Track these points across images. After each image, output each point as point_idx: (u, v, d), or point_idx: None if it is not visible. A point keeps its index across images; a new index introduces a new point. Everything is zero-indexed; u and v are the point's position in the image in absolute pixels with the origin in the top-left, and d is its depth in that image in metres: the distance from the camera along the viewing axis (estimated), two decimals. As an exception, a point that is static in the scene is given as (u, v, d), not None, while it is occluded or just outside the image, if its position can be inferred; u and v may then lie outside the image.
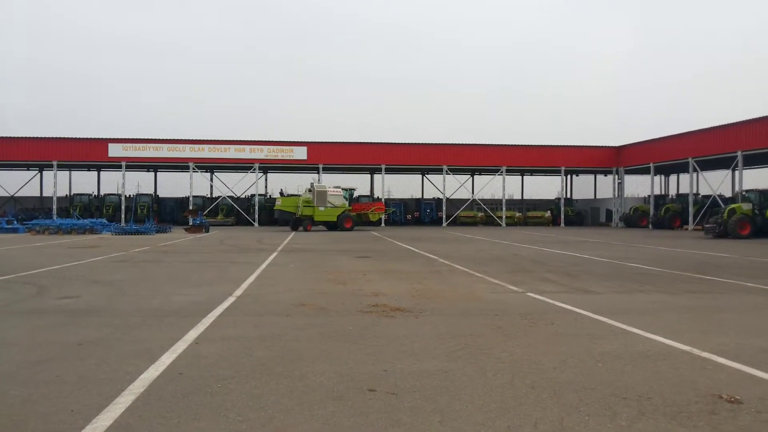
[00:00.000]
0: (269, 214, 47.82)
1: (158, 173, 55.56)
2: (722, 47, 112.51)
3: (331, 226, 36.92)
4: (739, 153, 36.15)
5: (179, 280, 11.67)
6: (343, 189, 38.52)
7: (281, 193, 50.15)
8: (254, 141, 47.38)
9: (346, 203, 37.75)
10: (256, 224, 45.96)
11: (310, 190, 37.14)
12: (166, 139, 46.86)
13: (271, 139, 47.57)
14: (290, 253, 18.65)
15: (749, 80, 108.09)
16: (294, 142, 47.62)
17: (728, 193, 41.78)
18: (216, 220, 45.24)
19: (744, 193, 34.29)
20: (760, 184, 41.26)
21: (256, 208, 46.99)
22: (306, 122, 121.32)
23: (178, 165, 48.46)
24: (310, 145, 47.44)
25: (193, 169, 46.88)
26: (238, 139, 47.48)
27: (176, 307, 8.27)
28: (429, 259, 16.43)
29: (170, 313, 7.85)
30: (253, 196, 48.88)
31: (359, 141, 49.02)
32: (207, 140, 47.09)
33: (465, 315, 7.81)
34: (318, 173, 47.93)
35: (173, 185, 54.09)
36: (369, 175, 55.30)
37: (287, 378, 4.81)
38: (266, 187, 54.61)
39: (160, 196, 54.16)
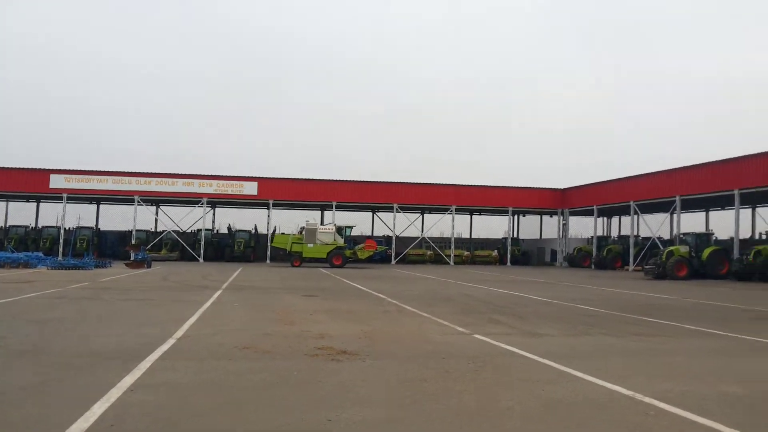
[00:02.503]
0: (215, 249, 46.90)
1: (101, 206, 53.83)
2: (666, 98, 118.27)
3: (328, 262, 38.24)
4: (677, 197, 37.70)
5: (117, 319, 11.17)
6: (339, 226, 39.89)
7: (229, 229, 49.47)
8: (203, 175, 46.67)
9: (340, 240, 38.39)
10: (201, 260, 44.91)
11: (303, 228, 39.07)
12: (112, 171, 45.65)
13: (220, 174, 46.96)
14: (236, 291, 18.20)
15: (691, 130, 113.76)
16: (244, 177, 47.11)
17: (667, 236, 43.35)
18: (159, 255, 43.97)
19: (681, 236, 35.68)
20: (696, 227, 43.12)
21: (202, 243, 45.96)
22: (256, 158, 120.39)
23: (123, 198, 47.12)
24: (261, 181, 47.02)
25: (138, 202, 45.68)
26: (187, 172, 46.69)
27: (113, 350, 7.86)
28: (378, 299, 16.29)
29: (106, 356, 7.45)
30: (199, 230, 47.81)
31: (311, 177, 48.94)
32: (154, 173, 46.10)
33: (413, 359, 7.69)
34: (268, 209, 47.45)
35: (116, 218, 52.46)
36: (319, 212, 55.09)
37: (225, 431, 4.58)
38: (213, 222, 53.59)
39: (101, 229, 52.36)
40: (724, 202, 40.71)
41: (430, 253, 51.20)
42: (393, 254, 49.17)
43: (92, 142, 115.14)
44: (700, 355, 8.47)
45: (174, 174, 46.25)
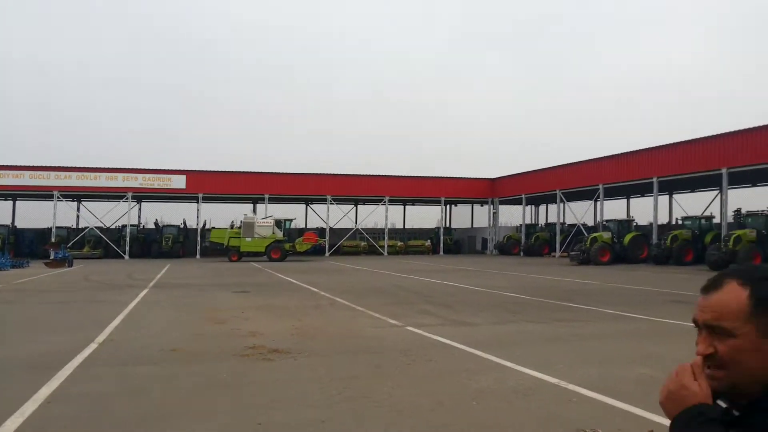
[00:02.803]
0: (142, 245, 45.30)
1: (18, 202, 50.93)
2: (593, 90, 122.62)
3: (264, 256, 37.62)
4: (600, 186, 39.27)
5: (34, 323, 10.63)
6: (278, 219, 39.30)
7: (156, 224, 47.89)
8: (128, 169, 44.91)
9: (279, 233, 37.84)
10: (126, 257, 43.31)
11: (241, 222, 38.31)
12: (28, 166, 43.25)
13: (146, 167, 45.33)
14: (163, 289, 17.67)
15: (615, 120, 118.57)
16: (172, 170, 45.67)
17: (591, 222, 45.13)
18: (82, 252, 42.08)
19: (604, 222, 37.24)
20: (618, 214, 45.10)
21: (128, 239, 44.30)
22: (187, 151, 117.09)
23: (41, 194, 44.77)
24: (190, 174, 45.70)
25: (58, 198, 43.51)
26: (110, 166, 44.79)
27: (27, 358, 7.47)
28: (311, 293, 16.21)
29: (20, 365, 7.07)
30: (124, 226, 46.00)
31: (242, 170, 47.99)
32: (74, 167, 43.91)
33: (345, 354, 7.70)
34: (198, 203, 46.22)
35: (35, 215, 49.76)
36: (251, 205, 54.15)
37: (150, 439, 4.44)
38: (140, 217, 51.70)
39: (18, 227, 49.56)
40: (643, 190, 42.74)
41: (364, 244, 51.32)
42: (327, 246, 48.99)
43: (7, 136, 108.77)
44: (618, 339, 8.87)
45: (96, 168, 44.26)
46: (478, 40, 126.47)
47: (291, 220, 42.05)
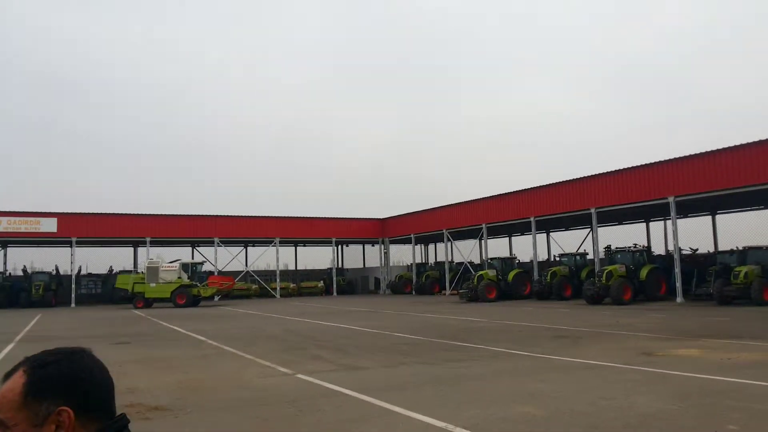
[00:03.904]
0: (8, 294, 41.43)
1: None
2: (473, 132, 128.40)
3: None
4: (483, 225, 41.00)
5: None
6: (186, 263, 37.62)
7: (24, 271, 44.15)
8: (-10, 211, 41.23)
9: (184, 278, 35.94)
10: (-9, 307, 39.42)
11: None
12: None
13: (12, 210, 41.79)
14: (32, 343, 16.17)
15: (497, 161, 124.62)
16: (41, 213, 42.35)
17: (477, 260, 46.82)
18: (-63, 304, 37.97)
19: (489, 260, 38.77)
20: (502, 251, 47.20)
21: (-8, 288, 40.43)
22: (62, 194, 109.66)
23: None
24: (62, 216, 42.59)
25: None
26: (-30, 209, 40.94)
27: None
28: (196, 341, 15.49)
29: None
30: (-12, 274, 42.07)
31: (120, 212, 45.52)
32: (-75, 209, 39.80)
33: (231, 409, 7.37)
34: (71, 246, 43.15)
35: None
36: (132, 248, 51.37)
37: None
38: (5, 263, 47.40)
39: None
40: (523, 228, 45.09)
41: (256, 287, 50.01)
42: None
43: None
44: (503, 377, 9.15)
45: (-47, 210, 40.33)
46: (355, 74, 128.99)
47: (201, 264, 40.24)
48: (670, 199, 28.22)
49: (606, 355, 10.94)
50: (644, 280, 28.89)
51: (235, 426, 6.39)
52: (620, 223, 42.57)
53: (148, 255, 44.87)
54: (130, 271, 47.97)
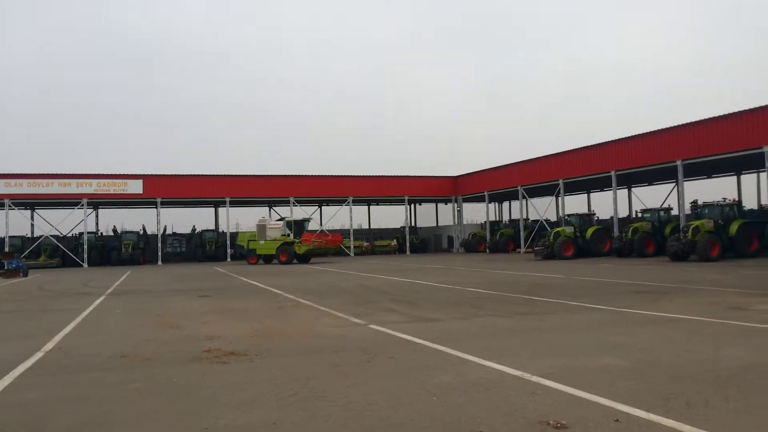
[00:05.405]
0: (100, 253, 44.04)
1: (-34, 212, 49.06)
2: (549, 86, 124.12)
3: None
4: (560, 181, 39.70)
5: (-23, 336, 10.08)
6: (290, 221, 38.60)
7: (114, 231, 46.68)
8: (81, 174, 43.44)
9: (288, 235, 37.17)
10: (85, 265, 42.08)
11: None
12: (-25, 175, 41.63)
13: (101, 173, 44.02)
14: (120, 296, 17.10)
15: (571, 115, 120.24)
16: (128, 174, 44.45)
17: (553, 218, 45.62)
18: (38, 262, 40.81)
19: (566, 217, 37.66)
20: (580, 208, 45.70)
21: (85, 247, 43.03)
22: (144, 154, 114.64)
23: (-9, 202, 43.15)
24: (147, 178, 44.56)
25: (9, 206, 41.96)
26: (63, 172, 43.36)
27: (-36, 371, 7.02)
28: (274, 295, 15.87)
29: (-45, 378, 6.63)
30: (81, 234, 44.74)
31: (201, 173, 47.07)
32: (25, 174, 42.37)
33: (304, 354, 7.44)
34: (156, 207, 45.18)
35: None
36: (213, 209, 53.25)
37: (87, 450, 4.13)
38: (97, 224, 50.29)
39: (-32, 237, 47.74)
40: (603, 184, 43.39)
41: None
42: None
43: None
44: (581, 330, 8.80)
45: (48, 174, 42.77)
46: (432, 37, 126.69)
47: (308, 221, 41.06)
48: (766, 149, 26.22)
49: (691, 310, 10.36)
50: (734, 236, 27.19)
51: (307, 370, 6.43)
52: (708, 176, 40.19)
53: (227, 215, 46.42)
54: (213, 230, 49.94)
